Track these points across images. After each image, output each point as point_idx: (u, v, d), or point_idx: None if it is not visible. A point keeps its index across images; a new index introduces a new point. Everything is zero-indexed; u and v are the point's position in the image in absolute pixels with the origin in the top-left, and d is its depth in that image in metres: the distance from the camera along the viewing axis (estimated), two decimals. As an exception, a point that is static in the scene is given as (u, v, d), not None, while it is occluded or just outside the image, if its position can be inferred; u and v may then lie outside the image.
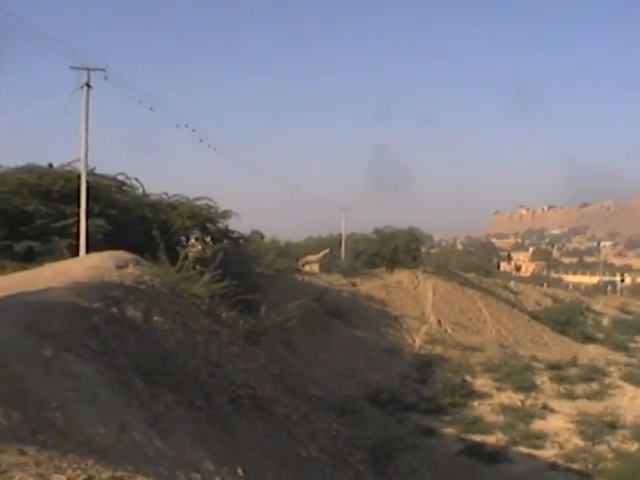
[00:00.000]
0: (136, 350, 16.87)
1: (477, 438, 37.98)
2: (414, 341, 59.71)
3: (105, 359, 15.60)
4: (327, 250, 78.42)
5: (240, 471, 14.29)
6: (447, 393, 45.58)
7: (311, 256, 77.49)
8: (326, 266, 74.08)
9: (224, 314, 25.31)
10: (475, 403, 46.04)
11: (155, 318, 19.38)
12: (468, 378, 50.97)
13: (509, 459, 35.05)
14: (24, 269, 26.74)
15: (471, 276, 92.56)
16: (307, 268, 73.81)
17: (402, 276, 72.80)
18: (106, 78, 33.47)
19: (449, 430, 39.85)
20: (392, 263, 75.20)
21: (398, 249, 75.56)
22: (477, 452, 34.94)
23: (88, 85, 32.83)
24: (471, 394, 47.66)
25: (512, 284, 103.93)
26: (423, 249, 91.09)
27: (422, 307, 67.07)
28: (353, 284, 69.61)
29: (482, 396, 47.63)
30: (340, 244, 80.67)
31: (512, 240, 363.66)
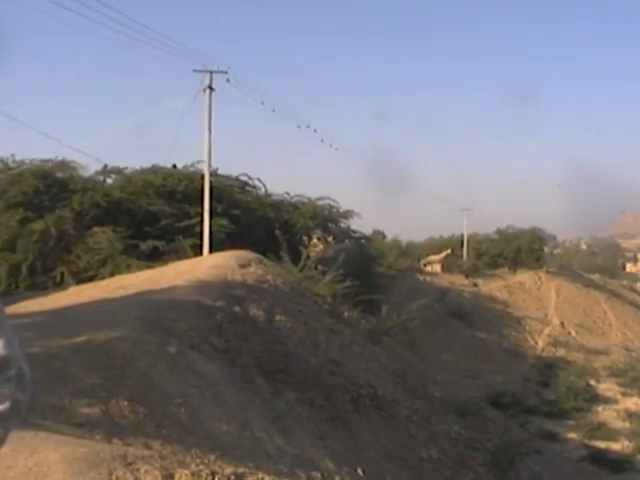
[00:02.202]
0: (258, 348, 17.02)
1: (601, 444, 37.09)
2: (537, 343, 58.72)
3: (228, 357, 15.80)
4: (449, 250, 77.62)
5: (360, 471, 14.27)
6: (570, 397, 44.71)
7: (433, 256, 76.86)
8: (448, 266, 73.44)
9: (346, 314, 25.35)
10: (599, 408, 44.99)
11: (277, 317, 19.52)
12: (592, 382, 49.87)
13: (635, 468, 34.03)
14: (149, 268, 27.28)
15: (595, 277, 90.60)
16: (429, 268, 73.32)
17: (525, 277, 71.69)
18: (228, 80, 33.93)
19: (572, 435, 39.06)
20: (515, 263, 74.11)
21: (521, 249, 74.40)
22: (601, 459, 34.06)
23: (211, 87, 33.26)
24: (595, 399, 46.62)
25: (639, 286, 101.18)
26: (546, 249, 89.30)
27: (545, 308, 65.91)
28: (475, 285, 68.89)
29: (607, 401, 46.53)
30: (462, 244, 79.76)
31: (638, 241, 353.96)
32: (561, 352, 57.08)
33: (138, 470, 7.68)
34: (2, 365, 2.71)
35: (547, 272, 74.03)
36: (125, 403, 11.36)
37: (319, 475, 12.81)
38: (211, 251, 30.26)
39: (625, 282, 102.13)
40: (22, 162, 34.57)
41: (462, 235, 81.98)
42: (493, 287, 68.64)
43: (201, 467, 8.61)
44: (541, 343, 58.71)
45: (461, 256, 78.20)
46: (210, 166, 33.28)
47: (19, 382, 2.74)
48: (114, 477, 7.33)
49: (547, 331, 61.09)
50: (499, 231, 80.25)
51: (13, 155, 34.89)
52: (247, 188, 38.78)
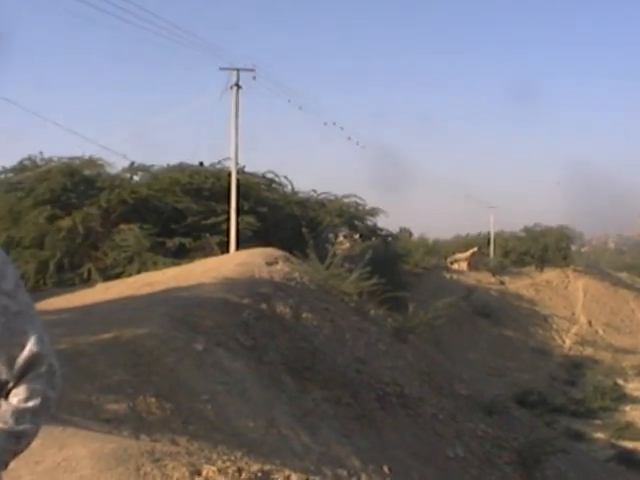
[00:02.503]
0: (285, 346, 17.05)
1: (629, 444, 36.76)
2: (564, 342, 58.44)
3: (255, 354, 15.83)
4: (475, 248, 77.34)
5: (386, 469, 14.26)
6: (597, 396, 44.39)
7: (459, 254, 76.59)
8: (474, 264, 73.19)
9: (372, 311, 25.34)
10: (627, 408, 44.62)
11: (304, 314, 19.54)
12: (620, 381, 49.55)
13: (664, 469, 33.72)
14: (176, 265, 27.38)
15: (624, 275, 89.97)
16: (455, 266, 73.09)
17: (552, 275, 71.37)
18: (255, 78, 33.99)
19: (599, 435, 38.77)
20: (542, 262, 73.78)
21: (548, 247, 74.07)
22: (629, 459, 33.70)
23: (237, 85, 33.33)
24: (623, 398, 46.28)
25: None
26: (574, 247, 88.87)
27: (572, 307, 65.58)
28: (502, 283, 68.66)
29: (635, 401, 46.18)
30: (488, 242, 79.49)
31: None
32: (588, 351, 56.77)
33: (165, 466, 7.72)
34: (33, 362, 2.74)
35: (574, 270, 73.65)
36: (152, 400, 11.40)
37: (345, 473, 12.83)
38: (238, 248, 30.31)
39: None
40: (50, 159, 34.77)
41: (489, 233, 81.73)
42: (520, 285, 68.37)
43: (228, 464, 8.63)
44: (568, 342, 58.43)
45: (488, 254, 77.96)
46: (237, 164, 33.34)
47: (49, 379, 2.77)
48: (142, 473, 7.37)
49: (574, 330, 60.78)
50: (526, 229, 79.90)
51: (41, 153, 35.11)
52: (274, 186, 38.79)
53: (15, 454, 2.76)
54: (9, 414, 2.70)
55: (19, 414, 2.71)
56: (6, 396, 2.75)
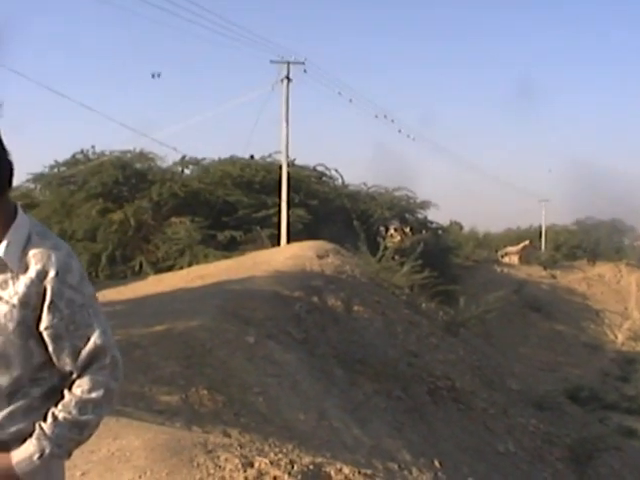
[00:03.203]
0: (336, 339, 17.04)
1: (684, 443, 36.22)
2: (616, 337, 57.84)
3: (306, 347, 15.84)
4: (527, 242, 76.86)
5: (437, 463, 14.16)
6: (651, 393, 43.82)
7: (510, 247, 76.22)
8: (525, 258, 72.73)
9: (423, 305, 25.24)
10: (681, 405, 43.99)
11: (355, 307, 19.50)
12: (674, 378, 48.85)
13: None
14: (227, 258, 27.49)
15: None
16: (506, 260, 72.70)
17: (604, 269, 70.64)
18: (305, 71, 34.05)
19: (653, 433, 38.25)
20: (594, 255, 73.12)
21: (600, 241, 73.44)
22: (684, 458, 33.25)
23: (288, 78, 33.39)
24: (677, 395, 45.63)
25: None
26: (626, 241, 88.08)
27: (625, 302, 64.88)
28: (553, 276, 68.10)
29: (690, 398, 45.49)
30: (540, 235, 78.91)
31: None
32: (642, 346, 56.09)
33: (218, 458, 7.73)
34: (97, 354, 2.78)
35: (627, 264, 72.89)
36: (204, 391, 11.44)
37: (396, 466, 12.76)
38: (289, 241, 30.37)
39: None
40: (102, 153, 35.17)
41: (540, 226, 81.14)
42: (571, 279, 67.79)
43: (280, 456, 8.62)
44: (621, 337, 57.82)
45: (539, 247, 77.44)
46: (287, 156, 33.40)
47: (112, 371, 2.81)
48: (195, 464, 7.39)
49: (627, 325, 60.12)
50: (578, 222, 79.31)
51: (93, 147, 35.52)
52: (324, 179, 38.87)
53: (78, 444, 2.81)
54: (73, 404, 2.75)
55: (82, 405, 2.75)
56: (69, 387, 2.79)
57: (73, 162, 35.40)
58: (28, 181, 35.87)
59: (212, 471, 7.33)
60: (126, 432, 7.85)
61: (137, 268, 30.41)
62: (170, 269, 28.77)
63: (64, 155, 36.52)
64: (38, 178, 35.54)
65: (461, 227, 72.46)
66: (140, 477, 6.95)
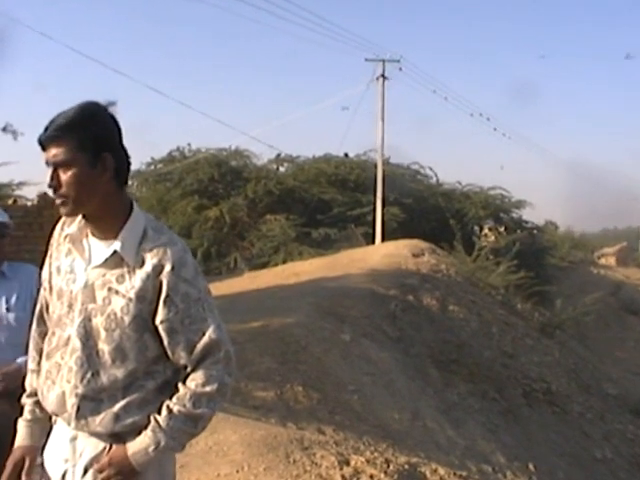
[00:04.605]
0: (431, 338, 16.93)
1: None
2: None
3: (401, 346, 15.77)
4: (624, 242, 75.42)
5: (531, 466, 13.97)
6: None
7: (607, 248, 74.81)
8: (623, 259, 71.30)
9: (519, 305, 24.94)
10: None
11: (451, 307, 19.35)
12: None
13: None
14: (321, 255, 27.53)
15: None
16: (602, 261, 71.35)
17: None
18: (400, 69, 33.97)
19: None
20: (695, 258, 71.49)
21: (702, 242, 71.71)
22: None
23: (383, 76, 33.35)
24: None
25: None
26: None
27: None
28: (651, 279, 66.64)
29: None
30: (638, 236, 77.44)
31: None
32: None
33: (314, 455, 7.73)
34: (212, 348, 2.82)
35: None
36: (299, 388, 11.47)
37: (490, 469, 12.63)
38: (383, 240, 30.31)
39: None
40: (198, 151, 35.61)
41: (639, 227, 79.66)
42: (671, 282, 66.23)
43: (375, 455, 8.60)
44: None
45: (637, 248, 75.98)
46: (383, 155, 33.36)
47: (226, 365, 2.86)
48: (291, 460, 7.41)
49: None
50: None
51: (189, 144, 35.99)
52: (418, 177, 38.68)
53: (192, 437, 2.88)
54: (187, 398, 2.80)
55: (197, 398, 2.80)
56: (184, 381, 2.84)
57: (169, 159, 35.96)
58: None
59: (308, 468, 7.33)
60: (223, 427, 7.91)
61: (232, 264, 30.70)
62: (264, 266, 28.93)
63: (160, 153, 37.12)
64: (135, 175, 36.07)
65: (556, 227, 71.40)
66: (237, 472, 6.99)
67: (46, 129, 2.74)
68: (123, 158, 2.81)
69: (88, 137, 2.71)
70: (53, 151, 2.72)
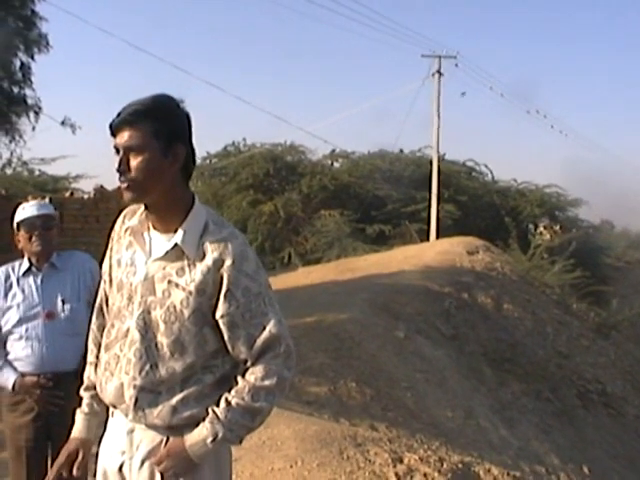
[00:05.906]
0: (486, 337, 16.83)
1: None
2: None
3: (455, 344, 15.70)
4: (682, 243, 74.14)
5: (586, 469, 13.84)
6: None
7: (664, 249, 73.69)
8: (681, 260, 70.17)
9: (574, 305, 24.70)
10: None
11: (505, 305, 19.22)
12: None
13: None
14: (375, 251, 27.48)
15: None
16: (660, 261, 70.34)
17: None
18: (457, 65, 33.81)
19: None
20: None
21: None
22: None
23: (439, 73, 33.22)
24: None
25: None
26: None
27: None
28: None
29: None
30: (697, 237, 76.06)
31: None
32: None
33: (368, 451, 7.72)
34: (272, 342, 2.82)
35: None
36: (353, 384, 11.47)
37: (543, 470, 12.53)
38: (438, 237, 30.20)
39: None
40: (253, 145, 35.74)
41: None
42: None
43: (429, 453, 8.56)
44: None
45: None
46: (438, 151, 33.23)
47: (286, 360, 2.85)
48: (345, 456, 7.40)
49: None
50: None
51: (244, 139, 36.11)
52: (474, 174, 38.44)
53: (249, 430, 2.86)
54: (246, 391, 2.79)
55: (255, 392, 2.79)
56: (243, 374, 2.84)
57: (224, 154, 36.10)
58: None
59: (362, 465, 7.32)
60: (277, 421, 7.92)
61: (286, 259, 30.77)
62: (318, 261, 28.94)
63: (216, 147, 37.30)
64: (191, 169, 36.29)
65: (612, 226, 70.46)
66: (291, 467, 6.99)
67: (118, 115, 2.76)
68: (191, 153, 2.84)
69: (164, 126, 2.74)
70: (126, 135, 2.73)
